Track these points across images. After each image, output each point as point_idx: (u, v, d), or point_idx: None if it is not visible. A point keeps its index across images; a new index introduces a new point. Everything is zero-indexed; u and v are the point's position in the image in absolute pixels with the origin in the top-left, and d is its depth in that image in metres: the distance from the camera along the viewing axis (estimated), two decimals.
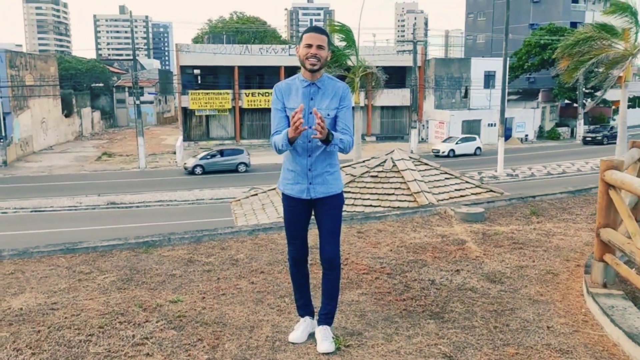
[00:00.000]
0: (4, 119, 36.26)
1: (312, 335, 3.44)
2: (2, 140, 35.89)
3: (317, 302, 3.59)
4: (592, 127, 46.66)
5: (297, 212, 3.38)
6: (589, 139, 44.18)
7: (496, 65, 42.50)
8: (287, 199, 3.40)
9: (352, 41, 22.23)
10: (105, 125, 58.99)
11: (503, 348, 3.35)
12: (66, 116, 48.92)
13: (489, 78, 46.28)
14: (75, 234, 18.02)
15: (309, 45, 3.15)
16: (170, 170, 34.74)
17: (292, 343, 3.40)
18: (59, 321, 3.80)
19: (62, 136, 47.63)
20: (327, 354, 3.28)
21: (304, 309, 3.54)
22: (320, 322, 3.44)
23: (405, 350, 3.34)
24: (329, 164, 3.31)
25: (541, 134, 47.96)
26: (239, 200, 12.07)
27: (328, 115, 3.22)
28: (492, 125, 42.52)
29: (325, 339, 3.35)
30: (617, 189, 3.76)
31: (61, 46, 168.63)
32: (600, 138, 43.43)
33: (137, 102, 35.47)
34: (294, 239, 3.43)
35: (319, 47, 3.15)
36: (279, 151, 3.26)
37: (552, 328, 3.62)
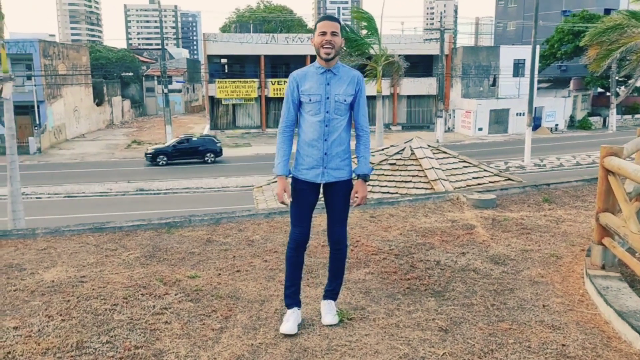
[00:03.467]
0: (38, 107, 37.40)
1: (299, 326, 3.49)
2: (36, 128, 37.04)
3: (319, 282, 3.82)
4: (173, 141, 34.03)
5: (307, 195, 3.47)
6: (150, 154, 32.26)
7: (526, 53, 41.81)
8: (299, 183, 3.47)
9: (375, 29, 22.24)
10: (135, 114, 60.15)
11: (497, 323, 3.54)
12: (97, 105, 50.10)
13: (518, 66, 45.58)
14: (105, 219, 18.65)
15: (324, 33, 3.31)
16: None
17: (285, 335, 3.39)
18: (87, 292, 4.13)
19: (94, 124, 48.82)
20: (331, 325, 3.52)
21: (293, 298, 3.55)
22: (325, 297, 3.65)
23: (404, 324, 3.55)
24: (343, 150, 3.45)
25: (572, 124, 47.08)
26: (261, 186, 12.38)
27: (345, 100, 3.40)
28: (520, 114, 41.93)
29: (329, 312, 3.57)
30: (616, 175, 3.89)
31: (93, 36, 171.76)
32: (158, 158, 31.93)
33: (166, 90, 36.17)
34: (301, 222, 3.50)
35: (333, 33, 3.32)
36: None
37: (548, 307, 3.79)
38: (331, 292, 3.65)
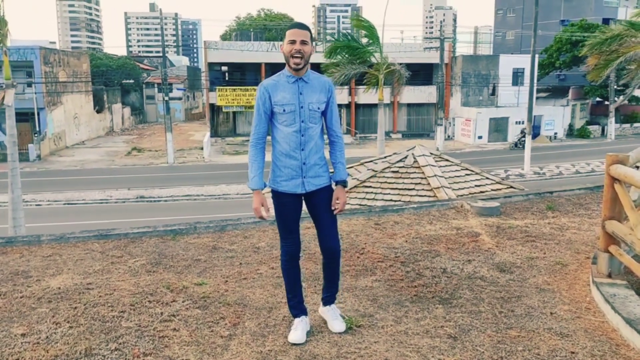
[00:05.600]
0: (39, 114, 37.42)
1: (308, 334, 3.50)
2: (36, 135, 37.05)
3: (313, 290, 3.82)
4: None
5: (291, 207, 3.41)
6: None
7: (525, 62, 41.94)
8: (280, 196, 3.41)
9: (376, 38, 22.34)
10: (135, 121, 60.17)
11: (506, 331, 3.55)
12: (97, 112, 50.13)
13: (517, 75, 45.77)
14: (105, 226, 18.58)
15: (293, 42, 3.23)
16: (197, 165, 35.39)
17: (294, 344, 3.37)
18: (93, 299, 4.13)
19: (94, 131, 48.82)
20: (339, 333, 3.50)
21: (298, 308, 3.54)
22: (325, 303, 3.60)
23: (412, 331, 3.56)
24: (320, 157, 3.41)
25: (571, 132, 47.19)
26: (264, 194, 12.37)
27: (318, 108, 3.36)
28: (520, 123, 42.01)
29: (335, 318, 3.52)
30: (622, 183, 3.91)
31: (93, 43, 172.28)
32: None
33: (166, 98, 36.15)
34: (290, 234, 3.46)
35: (303, 42, 3.25)
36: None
37: (556, 314, 3.79)
38: (330, 297, 3.60)
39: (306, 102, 3.32)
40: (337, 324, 3.51)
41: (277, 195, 3.43)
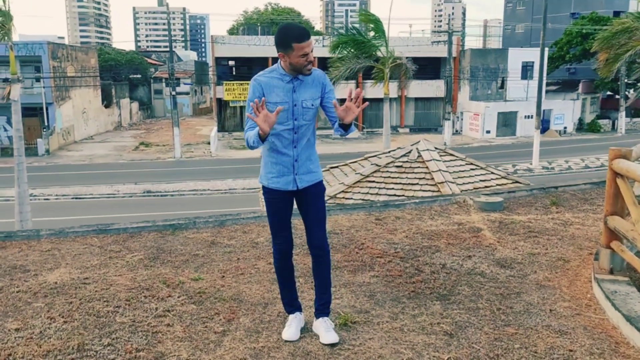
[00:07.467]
0: (47, 109, 37.61)
1: (302, 330, 3.46)
2: (45, 130, 37.26)
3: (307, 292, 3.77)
4: None
5: (283, 204, 3.36)
6: None
7: (534, 55, 41.54)
8: (272, 193, 3.35)
9: (382, 31, 22.20)
10: (143, 116, 60.33)
11: (503, 328, 3.49)
12: (106, 107, 50.30)
13: (526, 69, 45.36)
14: (112, 220, 18.62)
15: (306, 54, 3.13)
16: (204, 160, 35.45)
17: (288, 341, 3.35)
18: (89, 294, 4.11)
19: (102, 126, 49.02)
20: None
21: (292, 305, 3.53)
22: (318, 315, 3.42)
23: (408, 328, 3.51)
24: (310, 153, 3.35)
25: (581, 127, 46.76)
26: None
27: (312, 105, 3.26)
28: (529, 117, 41.70)
29: (327, 330, 3.35)
30: (625, 178, 3.83)
31: (102, 38, 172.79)
32: None
33: (174, 93, 36.19)
34: (282, 231, 3.41)
35: (311, 50, 3.18)
36: (251, 147, 3.18)
37: (555, 311, 3.73)
38: (324, 306, 3.43)
39: (300, 99, 3.25)
40: (329, 336, 3.32)
41: (268, 192, 3.37)
